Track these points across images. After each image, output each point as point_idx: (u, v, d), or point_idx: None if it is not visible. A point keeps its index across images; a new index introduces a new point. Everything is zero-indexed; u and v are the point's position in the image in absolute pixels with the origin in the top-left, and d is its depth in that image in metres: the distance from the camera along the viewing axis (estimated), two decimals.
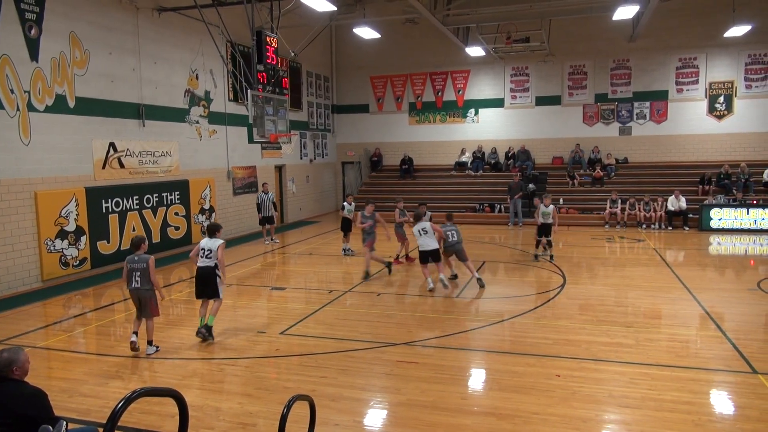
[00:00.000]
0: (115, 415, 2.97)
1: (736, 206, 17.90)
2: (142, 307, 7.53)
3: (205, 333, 7.91)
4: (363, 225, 12.03)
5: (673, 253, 14.74)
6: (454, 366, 7.00)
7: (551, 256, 13.44)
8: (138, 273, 7.40)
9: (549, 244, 13.58)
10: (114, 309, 9.99)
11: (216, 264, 7.93)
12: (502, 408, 5.73)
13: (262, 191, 16.87)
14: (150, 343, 7.59)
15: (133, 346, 7.45)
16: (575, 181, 21.50)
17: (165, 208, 14.74)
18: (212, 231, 8.17)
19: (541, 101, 23.15)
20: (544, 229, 13.36)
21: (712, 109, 21.41)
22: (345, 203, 14.71)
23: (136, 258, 7.48)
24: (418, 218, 10.83)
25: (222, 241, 8.06)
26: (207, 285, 7.99)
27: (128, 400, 3.05)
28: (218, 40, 14.02)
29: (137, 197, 13.82)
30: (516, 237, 17.61)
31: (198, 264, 8.05)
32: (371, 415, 5.80)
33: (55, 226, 11.68)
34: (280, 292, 10.91)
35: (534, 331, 8.23)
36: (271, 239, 16.69)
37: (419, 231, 10.57)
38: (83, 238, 12.35)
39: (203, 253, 8.02)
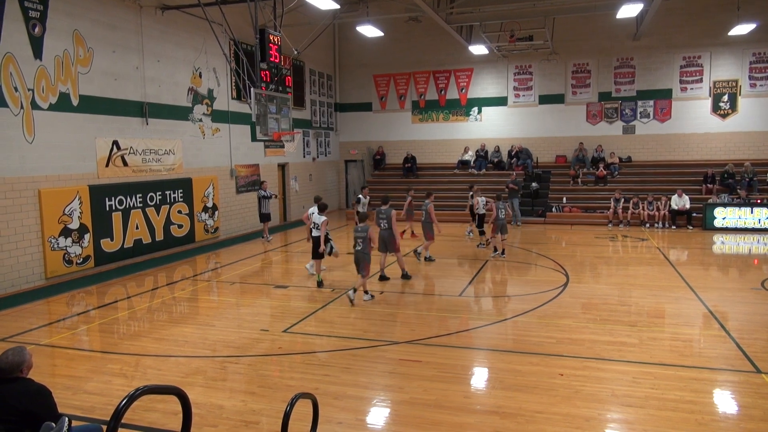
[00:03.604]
0: (119, 412, 2.97)
1: (740, 205, 17.85)
2: (359, 266, 9.89)
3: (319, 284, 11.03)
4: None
5: (677, 252, 14.70)
6: (457, 364, 7.00)
7: (484, 243, 14.93)
8: (360, 239, 9.80)
9: (482, 232, 15.40)
10: (117, 307, 10.02)
11: (327, 233, 11.16)
12: (505, 407, 5.72)
13: (261, 189, 16.94)
14: (366, 292, 9.97)
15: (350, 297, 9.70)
16: (578, 179, 21.46)
17: (168, 206, 14.76)
18: (322, 209, 11.11)
19: (544, 100, 23.11)
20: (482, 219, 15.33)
21: (716, 108, 21.34)
22: (360, 196, 14.79)
23: (359, 228, 9.89)
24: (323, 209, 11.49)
25: (325, 218, 11.00)
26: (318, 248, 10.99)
27: (131, 398, 3.05)
28: (221, 39, 14.03)
29: (140, 195, 13.84)
30: (513, 236, 17.56)
31: (313, 234, 11.17)
32: (374, 413, 5.81)
33: (58, 224, 11.71)
34: (283, 290, 10.92)
35: (537, 329, 8.22)
36: (267, 238, 16.74)
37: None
38: (87, 236, 12.37)
39: (314, 225, 11.07)
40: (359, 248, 9.85)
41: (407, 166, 23.95)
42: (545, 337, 7.83)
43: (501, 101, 23.71)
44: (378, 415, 5.78)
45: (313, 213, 11.44)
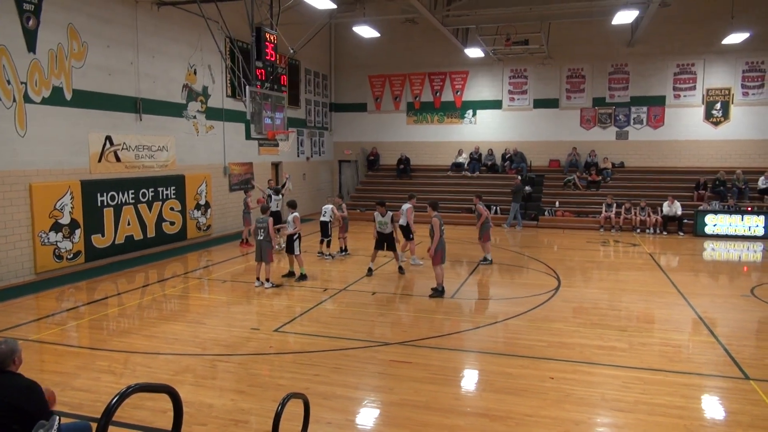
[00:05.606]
0: (110, 410, 2.94)
1: (730, 212, 17.98)
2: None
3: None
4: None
5: (668, 257, 14.78)
6: (447, 366, 7.00)
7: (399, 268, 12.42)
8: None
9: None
10: (107, 303, 9.95)
11: (297, 233, 11.47)
12: (495, 409, 5.73)
13: (268, 187, 16.85)
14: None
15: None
16: (571, 183, 21.51)
17: (160, 202, 14.69)
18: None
19: (538, 104, 23.19)
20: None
21: (708, 116, 21.49)
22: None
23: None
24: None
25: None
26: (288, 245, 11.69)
27: (123, 396, 3.02)
28: (217, 36, 13.98)
29: (133, 191, 13.76)
30: (506, 240, 17.62)
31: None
32: (364, 414, 5.80)
33: (49, 219, 11.62)
34: (275, 289, 10.88)
35: (528, 333, 8.24)
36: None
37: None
38: (78, 232, 12.29)
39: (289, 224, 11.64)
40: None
41: (401, 168, 23.97)
42: (536, 341, 7.85)
43: (496, 104, 23.77)
44: (368, 415, 5.77)
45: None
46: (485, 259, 13.33)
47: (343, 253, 14.27)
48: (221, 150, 17.49)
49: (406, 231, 12.99)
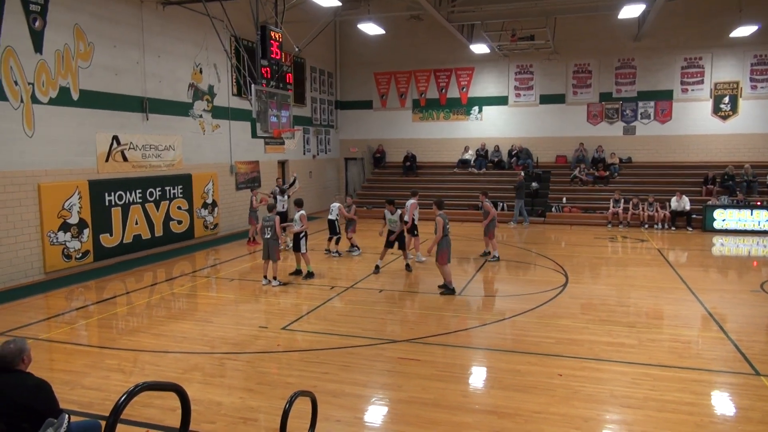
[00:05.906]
0: (118, 409, 2.96)
1: (739, 207, 17.85)
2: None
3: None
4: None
5: (676, 253, 14.70)
6: (455, 364, 6.99)
7: (407, 265, 12.41)
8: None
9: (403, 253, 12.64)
10: (116, 302, 10.00)
11: (303, 231, 11.48)
12: (503, 406, 5.72)
13: (276, 185, 16.89)
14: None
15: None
16: (578, 179, 21.42)
17: (168, 201, 14.74)
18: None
19: (545, 99, 23.09)
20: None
21: (716, 110, 21.33)
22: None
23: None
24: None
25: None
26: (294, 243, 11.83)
27: (131, 394, 3.04)
28: (222, 35, 14.01)
29: (140, 191, 13.81)
30: (513, 235, 17.57)
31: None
32: (372, 411, 5.80)
33: (58, 219, 11.69)
34: (282, 287, 10.90)
35: (536, 329, 8.21)
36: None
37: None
38: (86, 231, 12.35)
39: (295, 223, 11.55)
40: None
41: (407, 165, 23.94)
42: (544, 337, 7.82)
43: (502, 100, 23.69)
44: (376, 413, 5.77)
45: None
46: (486, 253, 13.37)
47: (358, 251, 14.22)
48: (227, 149, 17.53)
49: (410, 228, 13.00)
